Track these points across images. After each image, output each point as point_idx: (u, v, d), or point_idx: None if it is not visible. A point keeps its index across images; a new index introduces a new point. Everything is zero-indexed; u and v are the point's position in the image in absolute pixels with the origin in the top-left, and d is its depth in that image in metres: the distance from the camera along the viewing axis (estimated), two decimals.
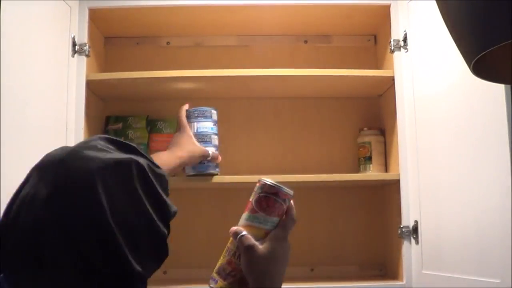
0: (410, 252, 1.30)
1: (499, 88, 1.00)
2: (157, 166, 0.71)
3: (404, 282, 1.30)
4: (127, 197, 0.64)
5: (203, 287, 1.32)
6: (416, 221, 1.29)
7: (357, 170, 1.54)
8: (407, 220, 1.31)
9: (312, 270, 1.52)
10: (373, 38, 1.62)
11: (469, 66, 0.74)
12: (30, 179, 0.65)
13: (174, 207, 0.70)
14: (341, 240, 1.54)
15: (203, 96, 1.56)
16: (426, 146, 1.27)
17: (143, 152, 0.71)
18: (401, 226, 1.32)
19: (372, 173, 1.45)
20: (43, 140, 1.15)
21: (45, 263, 0.61)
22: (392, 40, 1.38)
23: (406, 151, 1.33)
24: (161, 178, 0.70)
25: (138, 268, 0.64)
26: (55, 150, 0.67)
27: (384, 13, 1.42)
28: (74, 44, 1.32)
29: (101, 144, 0.68)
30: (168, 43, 1.60)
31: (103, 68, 1.55)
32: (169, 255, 0.71)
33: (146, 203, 0.66)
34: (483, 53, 0.68)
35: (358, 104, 1.59)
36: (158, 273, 0.73)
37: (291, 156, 1.57)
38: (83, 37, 1.35)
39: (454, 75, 1.15)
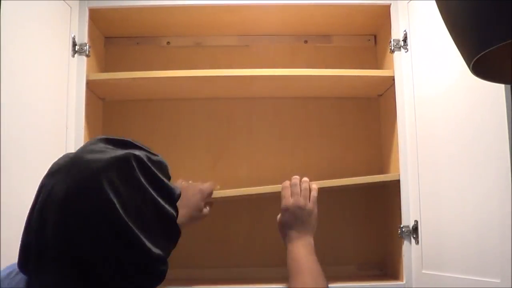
0: (410, 252, 1.30)
1: (499, 88, 1.00)
2: (154, 154, 0.77)
3: (404, 282, 1.30)
4: (132, 189, 0.70)
5: (203, 287, 1.33)
6: (416, 221, 1.29)
7: (357, 170, 1.54)
8: (407, 220, 1.31)
9: None
10: (373, 38, 1.62)
11: (468, 66, 0.74)
12: (43, 187, 0.72)
13: (178, 189, 0.77)
14: (340, 240, 1.54)
15: (203, 96, 1.57)
16: (426, 146, 1.27)
17: (139, 145, 0.77)
18: (401, 226, 1.32)
19: (371, 176, 1.43)
20: (44, 140, 1.15)
21: (72, 262, 0.68)
22: (392, 40, 1.38)
23: (406, 151, 1.33)
24: (161, 165, 0.76)
25: (155, 250, 0.71)
26: (60, 159, 0.74)
27: (384, 13, 1.42)
28: (74, 44, 1.32)
29: (100, 146, 0.74)
30: (168, 43, 1.60)
31: (103, 68, 1.55)
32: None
33: (151, 190, 0.72)
34: (483, 53, 0.69)
35: (358, 104, 1.59)
36: None
37: (291, 156, 1.57)
38: (83, 37, 1.35)
39: (454, 75, 1.15)
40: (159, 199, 0.73)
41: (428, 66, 1.27)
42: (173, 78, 1.38)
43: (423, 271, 1.24)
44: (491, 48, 0.67)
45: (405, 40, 1.36)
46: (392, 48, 1.38)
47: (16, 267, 0.74)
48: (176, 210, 0.76)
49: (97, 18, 1.42)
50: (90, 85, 1.37)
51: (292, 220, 1.16)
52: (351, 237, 1.54)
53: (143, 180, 0.72)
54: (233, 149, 1.56)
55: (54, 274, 0.68)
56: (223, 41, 1.60)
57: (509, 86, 0.99)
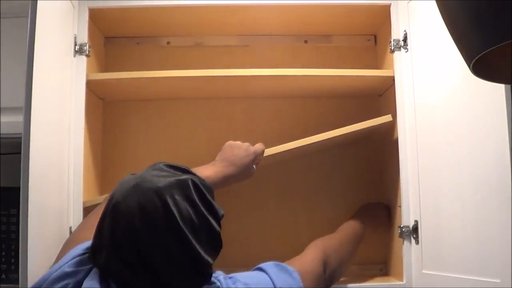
0: (410, 252, 1.30)
1: (499, 88, 1.00)
2: (204, 180, 0.92)
3: (404, 282, 1.30)
4: (188, 205, 0.85)
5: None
6: (416, 221, 1.29)
7: (357, 169, 1.54)
8: (407, 220, 1.31)
9: None
10: (373, 38, 1.62)
11: (469, 66, 0.74)
12: (114, 198, 0.86)
13: (221, 211, 0.91)
14: None
15: (203, 96, 1.57)
16: (426, 146, 1.27)
17: (192, 171, 0.92)
18: (401, 226, 1.32)
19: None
20: (46, 140, 1.15)
21: (137, 259, 0.82)
22: (392, 40, 1.38)
23: (406, 151, 1.33)
24: (209, 189, 0.91)
25: (206, 257, 0.85)
26: (128, 178, 0.88)
27: (384, 13, 1.42)
28: (74, 44, 1.32)
29: (163, 168, 0.89)
30: (168, 43, 1.60)
31: (103, 68, 1.55)
32: None
33: (202, 208, 0.86)
34: (483, 53, 0.69)
35: (358, 104, 1.59)
36: None
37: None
38: (83, 37, 1.34)
39: (454, 74, 1.15)
40: (209, 218, 0.87)
41: (428, 66, 1.27)
42: (173, 78, 1.38)
43: (423, 271, 1.24)
44: (491, 48, 0.67)
45: (405, 40, 1.36)
46: (392, 48, 1.38)
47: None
48: (220, 227, 0.89)
49: (97, 18, 1.42)
50: (90, 85, 1.37)
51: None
52: None
53: (197, 199, 0.86)
54: None
55: (122, 269, 0.82)
56: (223, 41, 1.60)
57: (509, 86, 0.99)
